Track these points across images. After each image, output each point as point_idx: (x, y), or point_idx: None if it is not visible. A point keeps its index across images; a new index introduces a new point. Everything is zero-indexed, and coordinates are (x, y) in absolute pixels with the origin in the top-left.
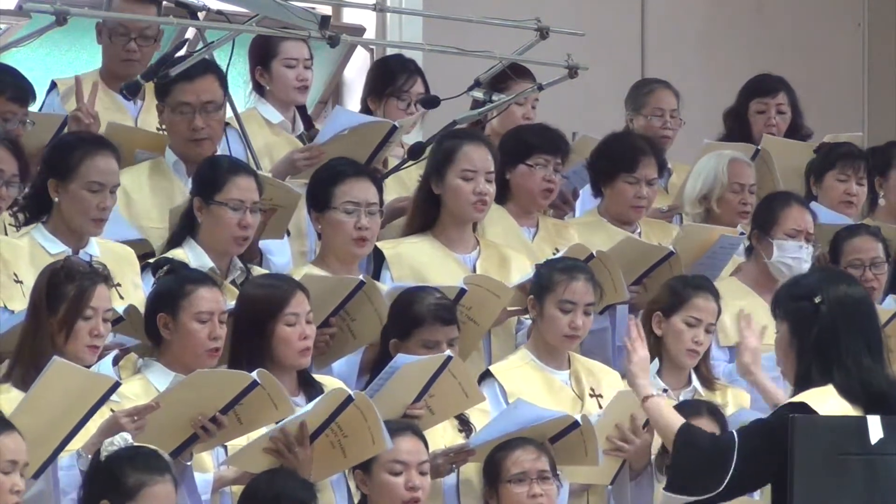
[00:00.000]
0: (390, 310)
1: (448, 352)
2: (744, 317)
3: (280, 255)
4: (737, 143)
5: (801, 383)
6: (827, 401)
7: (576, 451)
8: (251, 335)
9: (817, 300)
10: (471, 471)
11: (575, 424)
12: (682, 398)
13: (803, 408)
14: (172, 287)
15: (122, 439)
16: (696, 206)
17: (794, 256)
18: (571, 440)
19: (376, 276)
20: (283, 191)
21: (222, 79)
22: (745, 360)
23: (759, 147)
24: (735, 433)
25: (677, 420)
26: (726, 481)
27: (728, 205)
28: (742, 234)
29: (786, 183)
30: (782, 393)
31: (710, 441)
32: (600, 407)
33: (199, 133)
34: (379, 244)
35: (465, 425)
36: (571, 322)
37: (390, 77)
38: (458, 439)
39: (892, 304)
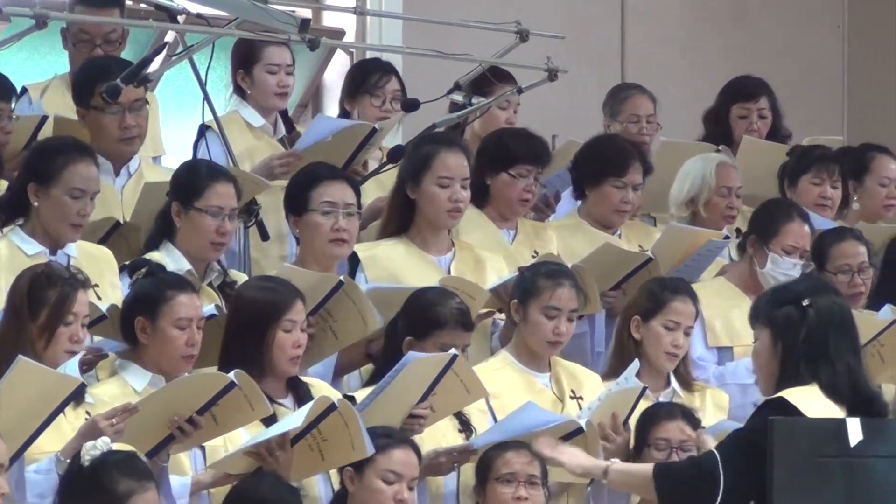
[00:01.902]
0: (406, 308)
1: (453, 351)
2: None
3: None
4: (697, 143)
5: (785, 384)
6: (808, 397)
7: None
8: (246, 339)
9: (805, 303)
10: (471, 474)
11: (579, 430)
12: (660, 400)
13: (781, 403)
14: (152, 291)
15: (104, 443)
16: (683, 209)
17: (785, 273)
18: (574, 444)
19: (351, 278)
20: (254, 183)
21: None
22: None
23: (719, 147)
24: (715, 451)
25: (645, 467)
26: (718, 499)
27: (715, 208)
28: (727, 237)
29: (761, 185)
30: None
31: (691, 466)
32: (580, 409)
33: (129, 131)
34: (354, 247)
35: (465, 426)
36: (556, 328)
37: (363, 76)
38: (458, 440)
39: (889, 314)
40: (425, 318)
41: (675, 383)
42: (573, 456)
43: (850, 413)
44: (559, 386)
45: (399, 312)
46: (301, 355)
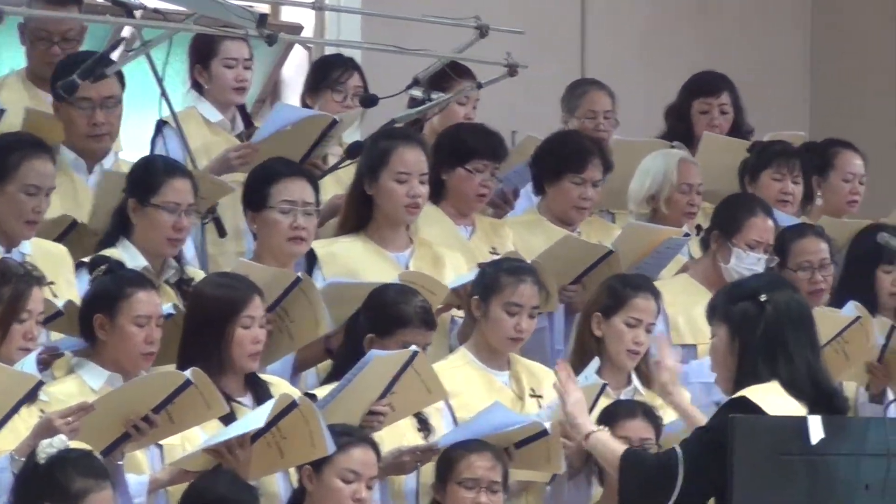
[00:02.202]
0: (368, 304)
1: (414, 347)
2: (659, 337)
3: (185, 249)
4: (651, 140)
5: (745, 382)
6: (769, 395)
7: (539, 458)
8: (204, 336)
9: (762, 298)
10: (431, 473)
11: (544, 433)
12: (621, 398)
13: (744, 402)
14: (111, 288)
15: (61, 441)
16: (643, 205)
17: (749, 268)
18: (536, 447)
19: (308, 275)
20: (217, 186)
21: (121, 75)
22: (663, 379)
23: (673, 144)
24: (677, 448)
25: (620, 447)
26: (674, 497)
27: (676, 205)
28: (687, 235)
29: (722, 182)
30: (700, 415)
31: (654, 459)
32: (540, 407)
33: (99, 129)
34: (311, 244)
35: (423, 425)
36: (517, 325)
37: (326, 71)
38: (417, 439)
39: (853, 310)
40: (388, 315)
41: (636, 381)
42: (575, 404)
43: (812, 410)
44: (519, 384)
45: (361, 308)
46: (260, 351)
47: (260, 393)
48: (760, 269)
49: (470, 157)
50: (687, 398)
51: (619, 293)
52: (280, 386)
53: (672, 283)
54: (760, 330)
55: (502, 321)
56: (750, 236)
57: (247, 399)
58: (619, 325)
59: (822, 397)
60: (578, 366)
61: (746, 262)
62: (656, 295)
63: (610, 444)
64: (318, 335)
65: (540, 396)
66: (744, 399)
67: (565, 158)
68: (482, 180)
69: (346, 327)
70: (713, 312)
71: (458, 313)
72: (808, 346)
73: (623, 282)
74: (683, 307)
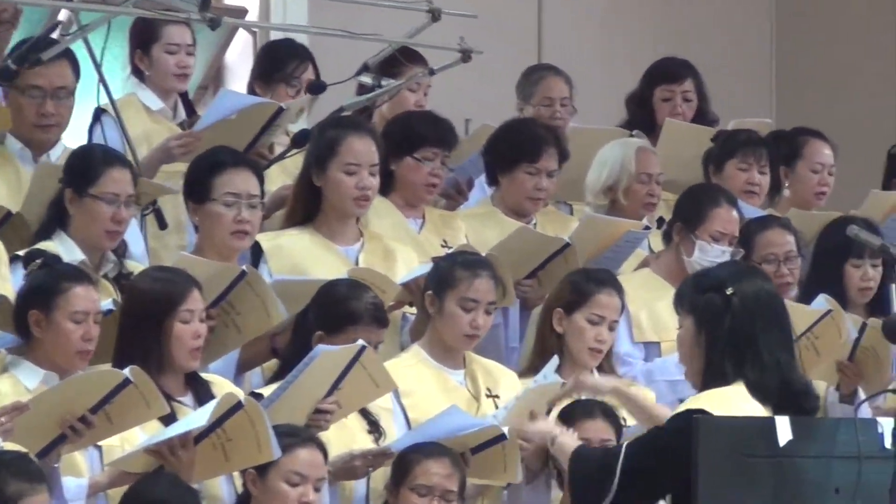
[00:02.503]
0: (317, 301)
1: (360, 341)
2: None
3: (135, 245)
4: (608, 128)
5: (711, 381)
6: (731, 404)
7: (495, 466)
8: (142, 332)
9: (729, 291)
10: (381, 479)
11: (502, 437)
12: (584, 397)
13: (700, 413)
14: (47, 283)
15: None
16: (601, 197)
17: (714, 261)
18: (492, 453)
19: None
20: (153, 187)
21: (76, 65)
22: (612, 382)
23: (633, 132)
24: (623, 446)
25: (574, 443)
26: (609, 497)
27: (635, 196)
28: (647, 227)
29: (685, 171)
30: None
31: (599, 455)
32: (497, 408)
33: (48, 119)
34: (257, 237)
35: (373, 426)
36: (473, 321)
37: (280, 62)
38: (367, 441)
39: (823, 304)
40: (338, 312)
41: None
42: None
43: (778, 411)
44: (475, 384)
45: (309, 305)
46: (201, 347)
47: (201, 392)
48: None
49: (418, 146)
50: (651, 397)
51: (582, 288)
52: (222, 385)
53: (633, 277)
54: (727, 324)
55: (457, 317)
56: (714, 228)
57: (188, 399)
58: (581, 322)
59: (790, 397)
60: (538, 364)
61: (710, 255)
62: (620, 291)
63: (566, 445)
64: (271, 326)
65: (496, 396)
66: (702, 411)
67: (519, 147)
68: (431, 170)
69: (295, 325)
70: (680, 301)
71: (411, 310)
72: (779, 341)
73: (586, 277)
74: (645, 303)
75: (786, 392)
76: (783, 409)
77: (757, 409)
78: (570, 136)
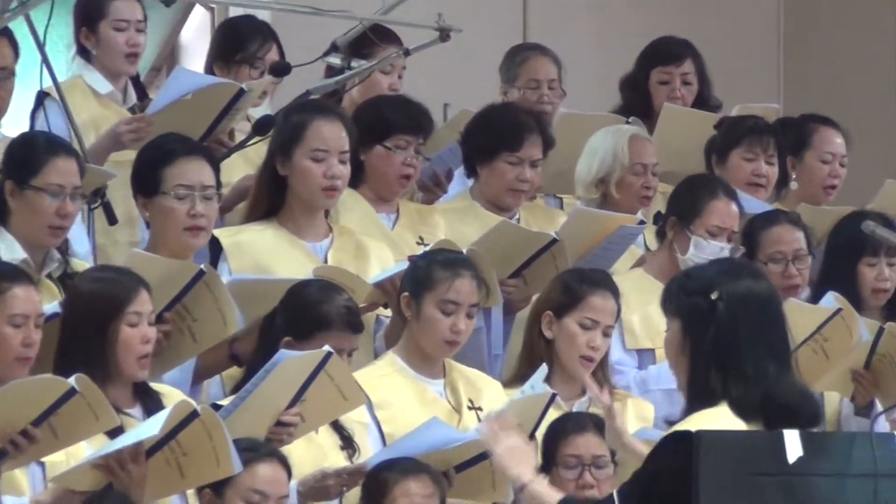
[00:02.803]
0: (286, 304)
1: (326, 347)
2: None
3: (78, 244)
4: (601, 114)
5: (695, 399)
6: (717, 424)
7: (482, 484)
8: (85, 337)
9: (714, 296)
10: (356, 500)
11: (486, 453)
12: (574, 409)
13: (684, 437)
14: None
15: None
16: (592, 190)
17: (710, 258)
18: (479, 471)
19: (213, 268)
20: (94, 173)
21: (15, 44)
22: (616, 424)
23: (629, 120)
24: (615, 494)
25: (555, 496)
26: None
27: (629, 188)
28: (643, 222)
29: (685, 161)
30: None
31: None
32: (480, 421)
33: None
34: (216, 232)
35: (347, 442)
36: (453, 325)
37: (241, 41)
38: (340, 458)
39: (832, 301)
40: (308, 316)
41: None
42: (510, 455)
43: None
44: (455, 395)
45: (277, 308)
46: (150, 353)
47: (150, 404)
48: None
49: (389, 133)
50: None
51: (574, 290)
52: (172, 396)
53: (624, 279)
54: (710, 334)
55: (437, 321)
56: (710, 222)
57: (136, 411)
58: (573, 327)
59: (775, 412)
60: (526, 373)
61: (707, 252)
62: (616, 293)
63: (542, 494)
64: (227, 335)
65: (479, 409)
66: (686, 433)
67: (498, 135)
68: (405, 159)
69: (261, 330)
70: (667, 302)
71: (385, 312)
72: (768, 352)
73: (579, 277)
74: (638, 306)
75: (769, 407)
76: (775, 428)
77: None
78: (560, 123)
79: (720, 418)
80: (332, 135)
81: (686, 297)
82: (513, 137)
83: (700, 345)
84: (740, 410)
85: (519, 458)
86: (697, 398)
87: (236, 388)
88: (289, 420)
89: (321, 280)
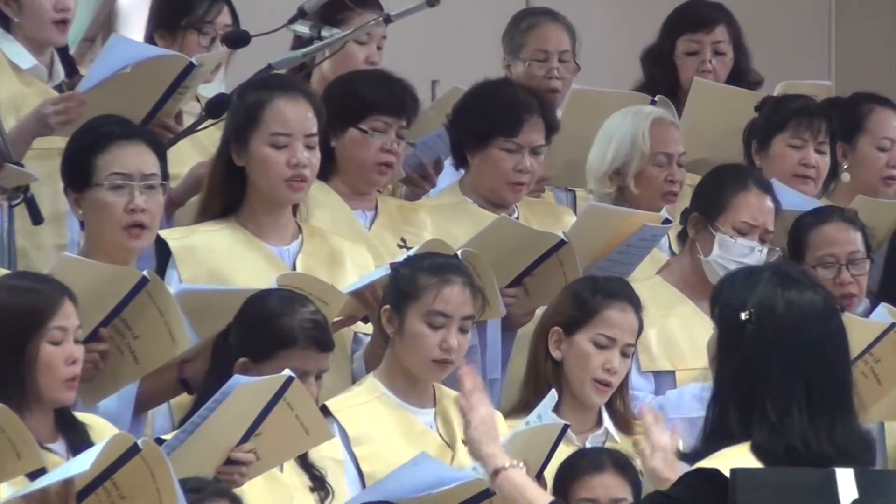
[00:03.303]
0: (241, 319)
1: (287, 371)
2: (648, 410)
3: None
4: (623, 92)
5: (713, 434)
6: (742, 465)
7: None
8: (1, 358)
9: (744, 316)
10: None
11: (486, 493)
12: (588, 444)
13: (715, 476)
14: None
15: None
16: (606, 183)
17: (739, 261)
18: None
19: (160, 276)
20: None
21: None
22: (655, 463)
23: (655, 98)
24: None
25: (542, 498)
26: None
27: (650, 182)
28: (668, 221)
29: (719, 148)
30: None
31: None
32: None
33: None
34: (163, 234)
35: (318, 483)
36: (443, 341)
37: (186, 4)
38: (310, 502)
39: (885, 315)
40: (266, 332)
41: (608, 422)
42: (480, 426)
43: None
44: (448, 426)
45: (232, 324)
46: (78, 376)
47: (75, 438)
48: (754, 261)
49: (366, 113)
50: None
51: (587, 302)
52: (103, 430)
53: (638, 288)
54: (735, 362)
55: (423, 337)
56: (738, 218)
57: (58, 446)
58: (585, 346)
59: (811, 464)
60: (531, 399)
61: (734, 253)
62: (637, 306)
63: (527, 491)
64: (174, 355)
65: None
66: (716, 472)
67: (492, 117)
68: (383, 144)
69: (213, 350)
70: (713, 305)
71: (364, 328)
72: (802, 389)
73: (592, 286)
74: (655, 320)
75: (795, 462)
76: None
77: None
78: (573, 101)
79: (745, 461)
80: (295, 115)
81: (723, 307)
82: (509, 120)
83: (725, 372)
84: (763, 457)
85: (492, 436)
86: (715, 437)
87: (186, 419)
88: (240, 458)
89: (282, 290)
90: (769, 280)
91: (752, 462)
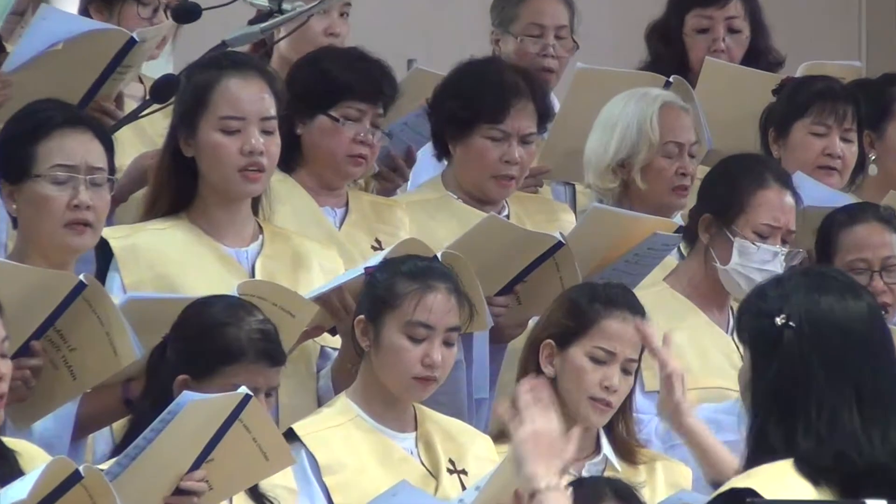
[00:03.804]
0: (179, 330)
1: (243, 388)
2: (641, 324)
3: None
4: (634, 72)
5: (756, 449)
6: (783, 485)
7: None
8: None
9: (780, 321)
10: None
11: None
12: (585, 472)
13: (750, 496)
14: None
15: None
16: (609, 176)
17: (761, 268)
18: None
19: (100, 280)
20: None
21: None
22: (675, 396)
23: (670, 79)
24: None
25: None
26: None
27: (659, 175)
28: (682, 229)
29: (732, 136)
30: (729, 456)
31: None
32: (464, 487)
33: None
34: (104, 232)
35: None
36: (426, 356)
37: None
38: None
39: None
40: (209, 345)
41: (607, 448)
42: (534, 443)
43: (844, 495)
44: (431, 453)
45: (168, 336)
46: (6, 394)
47: (3, 467)
48: (777, 267)
49: (336, 99)
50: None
51: (583, 310)
52: (34, 456)
53: (642, 296)
54: (774, 369)
55: (403, 352)
56: (759, 219)
57: None
58: (581, 360)
59: (858, 478)
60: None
61: (756, 260)
62: (640, 315)
63: None
64: (118, 369)
65: (462, 472)
66: (750, 493)
67: (476, 101)
68: (357, 134)
69: (148, 366)
70: (739, 324)
71: (332, 342)
72: (851, 393)
73: (589, 293)
74: (661, 333)
75: (846, 470)
76: (851, 493)
77: (809, 495)
78: (578, 82)
79: (785, 477)
80: (248, 95)
81: (753, 319)
82: (494, 104)
83: (762, 385)
84: (809, 470)
85: (543, 451)
86: (758, 452)
87: (123, 444)
88: (191, 487)
89: (228, 296)
90: (803, 283)
91: (794, 478)
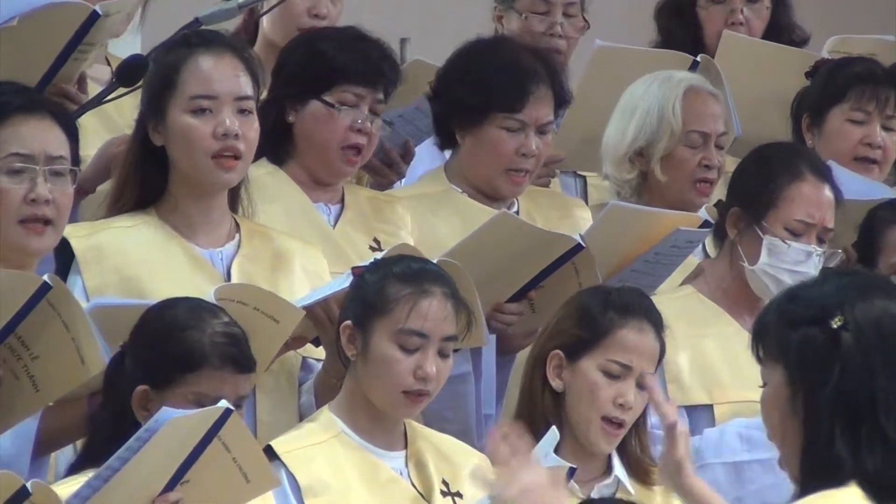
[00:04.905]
0: (137, 337)
1: (224, 402)
2: (650, 378)
3: None
4: (659, 51)
5: (814, 475)
6: None
7: None
8: None
9: (836, 323)
10: None
11: None
12: (595, 495)
13: None
14: None
15: None
16: (626, 166)
17: (794, 269)
18: None
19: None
20: None
21: None
22: (678, 454)
23: (697, 58)
24: None
25: None
26: None
27: (681, 167)
28: (708, 224)
29: (757, 123)
30: None
31: None
32: None
33: None
34: (66, 231)
35: None
36: (418, 367)
37: None
38: None
39: None
40: (168, 351)
41: (619, 468)
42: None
43: None
44: (423, 473)
45: (126, 344)
46: None
47: None
48: (812, 268)
49: (332, 83)
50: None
51: (595, 319)
52: None
53: (666, 302)
54: (834, 380)
55: (393, 362)
56: (792, 215)
57: None
58: (594, 375)
59: None
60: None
61: (788, 261)
62: (657, 325)
63: None
64: (85, 379)
65: (457, 494)
66: None
67: (490, 87)
68: (354, 122)
69: (105, 378)
70: (761, 341)
71: (315, 353)
72: None
73: (602, 300)
74: (687, 341)
75: None
76: None
77: None
78: (597, 62)
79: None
80: (219, 74)
81: (793, 329)
82: (511, 91)
83: (817, 400)
84: (876, 492)
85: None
86: (815, 474)
87: (81, 460)
88: None
89: (190, 298)
90: (853, 287)
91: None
